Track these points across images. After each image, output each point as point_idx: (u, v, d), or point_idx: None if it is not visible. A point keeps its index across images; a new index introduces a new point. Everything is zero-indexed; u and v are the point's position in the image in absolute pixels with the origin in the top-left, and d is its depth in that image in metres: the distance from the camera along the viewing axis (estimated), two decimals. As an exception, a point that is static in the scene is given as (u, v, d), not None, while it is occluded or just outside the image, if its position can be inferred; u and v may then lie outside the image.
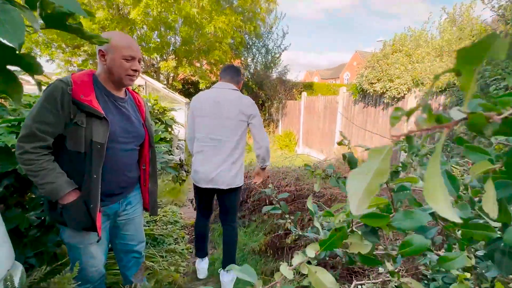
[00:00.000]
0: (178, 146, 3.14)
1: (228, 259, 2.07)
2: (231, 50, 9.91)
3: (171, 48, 9.03)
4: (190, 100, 7.63)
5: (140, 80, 5.39)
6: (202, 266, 2.22)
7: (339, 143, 0.79)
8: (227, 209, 2.05)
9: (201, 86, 9.11)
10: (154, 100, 3.15)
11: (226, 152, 1.90)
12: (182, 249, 2.57)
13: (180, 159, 2.99)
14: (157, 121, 2.97)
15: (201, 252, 2.23)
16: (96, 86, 1.26)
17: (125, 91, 1.42)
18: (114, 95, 1.32)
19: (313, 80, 22.96)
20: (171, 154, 2.83)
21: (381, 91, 4.61)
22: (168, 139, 2.80)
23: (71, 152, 1.19)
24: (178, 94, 7.63)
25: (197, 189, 2.06)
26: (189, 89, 10.61)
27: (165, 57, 9.20)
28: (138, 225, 1.56)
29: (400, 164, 0.70)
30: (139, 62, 1.32)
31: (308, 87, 11.87)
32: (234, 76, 2.01)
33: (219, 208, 2.17)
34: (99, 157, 1.20)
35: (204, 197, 2.08)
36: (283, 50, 11.82)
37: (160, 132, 2.72)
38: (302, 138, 8.83)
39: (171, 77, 9.67)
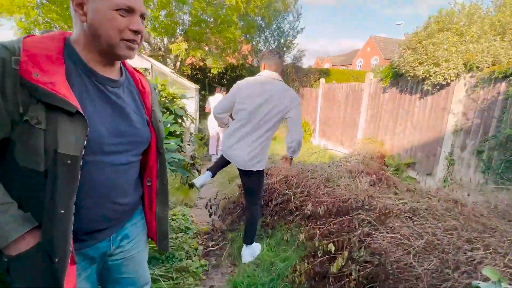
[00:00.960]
0: (190, 141, 2.65)
1: (248, 236, 2.23)
2: (241, 34, 9.17)
3: (179, 28, 8.33)
4: (199, 86, 7.07)
5: (145, 63, 4.82)
6: (205, 177, 2.28)
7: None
8: (247, 190, 2.18)
9: (213, 71, 8.50)
10: (162, 85, 2.62)
11: (250, 136, 1.94)
12: (197, 267, 2.13)
13: (192, 156, 2.51)
14: (165, 111, 2.47)
15: (213, 171, 2.33)
16: (69, 58, 0.74)
17: (121, 68, 0.89)
18: (99, 75, 0.79)
19: (324, 67, 22.04)
20: (182, 151, 2.34)
21: (423, 77, 3.95)
22: (178, 133, 2.30)
23: (23, 169, 0.70)
24: (187, 80, 7.08)
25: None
26: (197, 75, 9.97)
27: (173, 39, 8.54)
28: (140, 263, 1.08)
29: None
30: (142, 19, 0.79)
31: (324, 73, 11.16)
32: (280, 64, 2.01)
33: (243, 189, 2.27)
34: (69, 179, 0.69)
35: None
36: (298, 33, 11.10)
37: (168, 125, 2.23)
38: (318, 128, 8.24)
39: (179, 62, 9.04)
